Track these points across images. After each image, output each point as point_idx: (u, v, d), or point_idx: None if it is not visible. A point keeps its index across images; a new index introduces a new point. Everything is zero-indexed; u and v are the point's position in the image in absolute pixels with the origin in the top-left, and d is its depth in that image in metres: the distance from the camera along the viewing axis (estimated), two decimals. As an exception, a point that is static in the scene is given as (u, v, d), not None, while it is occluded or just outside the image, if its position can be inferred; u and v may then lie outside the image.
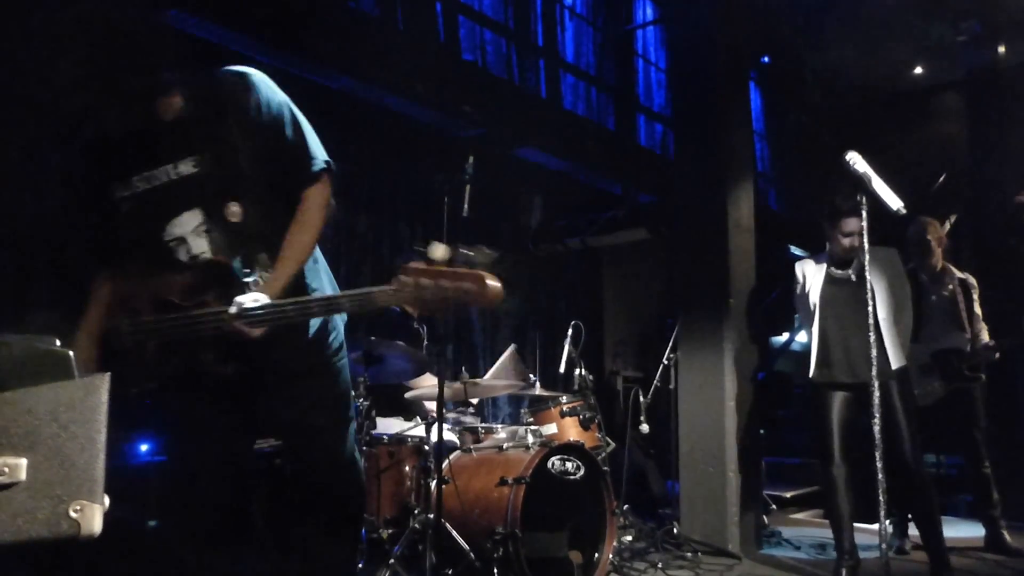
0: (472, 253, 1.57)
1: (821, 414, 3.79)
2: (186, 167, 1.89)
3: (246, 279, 1.90)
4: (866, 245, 2.79)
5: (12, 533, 0.86)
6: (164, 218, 1.89)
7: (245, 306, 1.78)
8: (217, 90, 1.92)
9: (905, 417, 3.63)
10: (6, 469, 0.87)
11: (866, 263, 2.79)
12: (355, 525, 2.37)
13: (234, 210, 1.89)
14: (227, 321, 1.78)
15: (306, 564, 2.07)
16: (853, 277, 3.76)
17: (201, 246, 1.90)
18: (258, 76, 2.00)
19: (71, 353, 0.94)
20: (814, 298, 3.86)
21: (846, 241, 3.75)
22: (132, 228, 1.91)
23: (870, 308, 2.79)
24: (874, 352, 2.75)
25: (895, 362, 3.67)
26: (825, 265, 3.88)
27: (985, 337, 4.64)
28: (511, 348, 4.15)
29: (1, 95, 3.17)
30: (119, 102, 1.75)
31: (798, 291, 3.99)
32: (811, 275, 3.93)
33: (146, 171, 1.88)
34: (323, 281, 2.12)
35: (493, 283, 1.52)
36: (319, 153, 2.01)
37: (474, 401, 4.29)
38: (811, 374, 3.83)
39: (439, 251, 1.64)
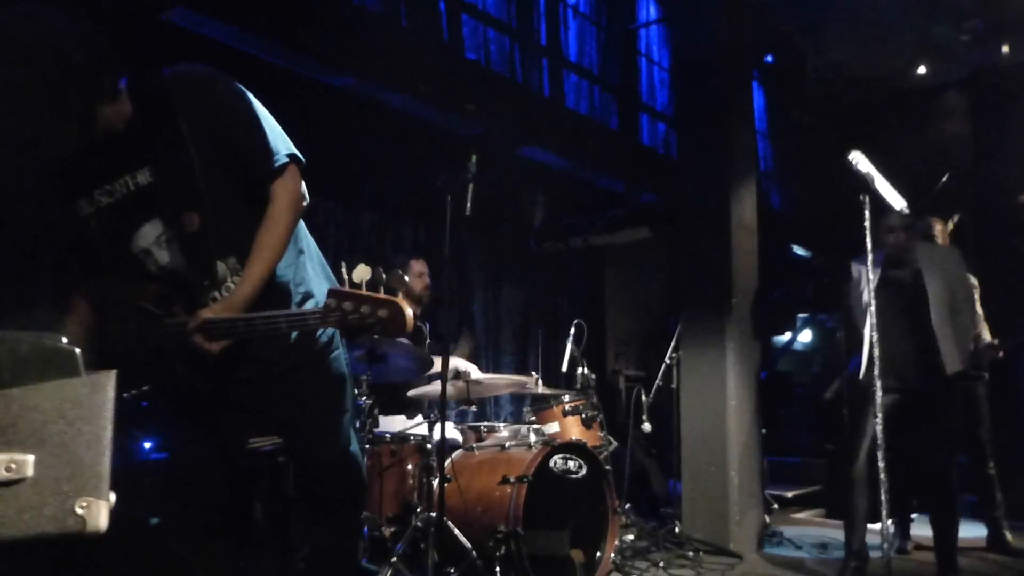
0: (386, 276, 1.68)
1: (859, 415, 3.68)
2: (143, 177, 1.82)
3: (211, 290, 1.88)
4: (869, 243, 2.79)
5: (19, 529, 0.87)
6: (129, 231, 1.85)
7: (203, 319, 1.76)
8: (166, 92, 1.82)
9: (948, 424, 3.60)
10: (13, 465, 0.87)
11: (869, 262, 2.79)
12: (356, 517, 2.37)
13: (191, 219, 1.82)
14: (187, 335, 1.76)
15: (310, 558, 2.06)
16: (908, 279, 3.69)
17: (164, 257, 1.86)
18: (208, 72, 1.91)
19: (77, 350, 0.95)
20: (867, 299, 3.79)
21: (891, 238, 3.70)
22: (103, 244, 1.86)
23: (873, 308, 2.80)
24: (876, 352, 2.76)
25: (949, 367, 3.55)
26: (880, 266, 3.76)
27: (987, 336, 4.64)
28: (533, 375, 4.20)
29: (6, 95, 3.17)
30: (60, 118, 1.63)
31: (854, 291, 3.91)
32: (865, 275, 3.86)
33: (107, 184, 1.81)
34: (308, 274, 2.07)
35: (407, 312, 1.61)
36: (281, 147, 1.90)
37: (476, 401, 4.29)
38: (860, 375, 3.69)
39: (361, 272, 1.63)
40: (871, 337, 3.71)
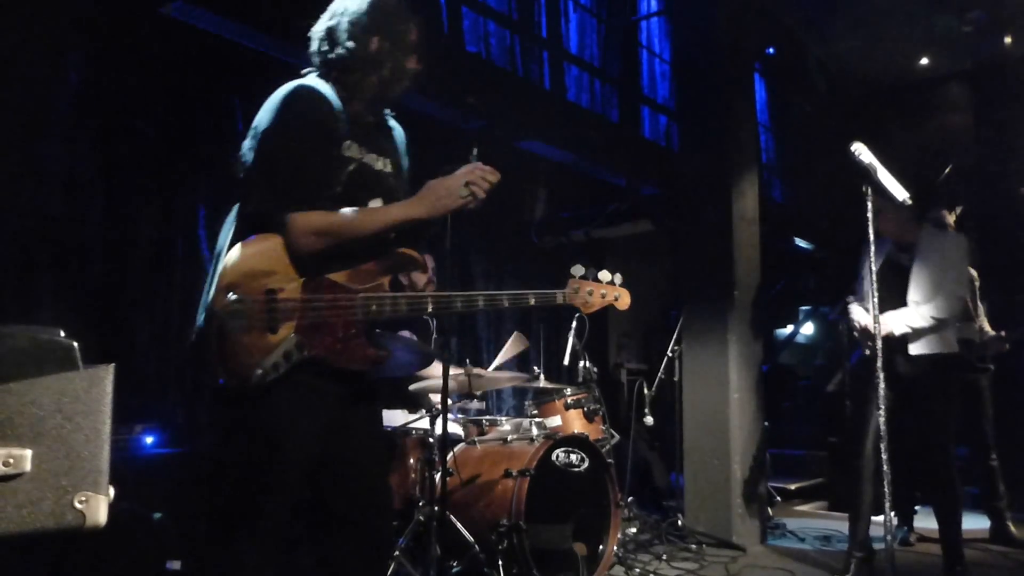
0: (598, 273, 2.22)
1: (862, 406, 3.64)
2: (384, 165, 2.09)
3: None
4: (871, 236, 2.77)
5: (17, 524, 0.86)
6: (366, 195, 2.00)
7: (443, 294, 2.05)
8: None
9: (940, 409, 3.53)
10: (11, 460, 0.87)
11: (872, 253, 2.77)
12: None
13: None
14: (430, 305, 1.99)
15: None
16: (906, 262, 3.61)
17: None
18: None
19: (75, 344, 0.94)
20: (867, 283, 3.78)
21: (881, 223, 3.67)
22: (351, 191, 1.97)
23: (874, 300, 2.79)
24: (879, 344, 2.75)
25: (919, 348, 3.49)
26: (887, 250, 3.73)
27: (987, 329, 4.63)
28: (515, 334, 4.14)
29: (6, 92, 3.17)
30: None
31: (860, 280, 3.89)
32: (868, 264, 3.84)
33: (368, 150, 2.03)
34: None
35: (628, 296, 2.21)
36: None
37: (478, 394, 4.28)
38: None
39: (579, 270, 2.18)
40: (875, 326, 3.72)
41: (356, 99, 2.02)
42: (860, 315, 3.63)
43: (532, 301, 2.18)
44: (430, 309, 2.02)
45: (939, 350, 3.54)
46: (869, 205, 2.74)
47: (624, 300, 2.25)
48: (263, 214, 1.84)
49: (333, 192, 1.92)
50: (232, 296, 1.76)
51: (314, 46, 2.05)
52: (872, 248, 2.76)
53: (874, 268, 2.77)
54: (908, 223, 3.65)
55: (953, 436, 3.62)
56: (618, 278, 2.24)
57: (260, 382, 1.75)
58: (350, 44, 1.98)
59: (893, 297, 3.54)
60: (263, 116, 1.92)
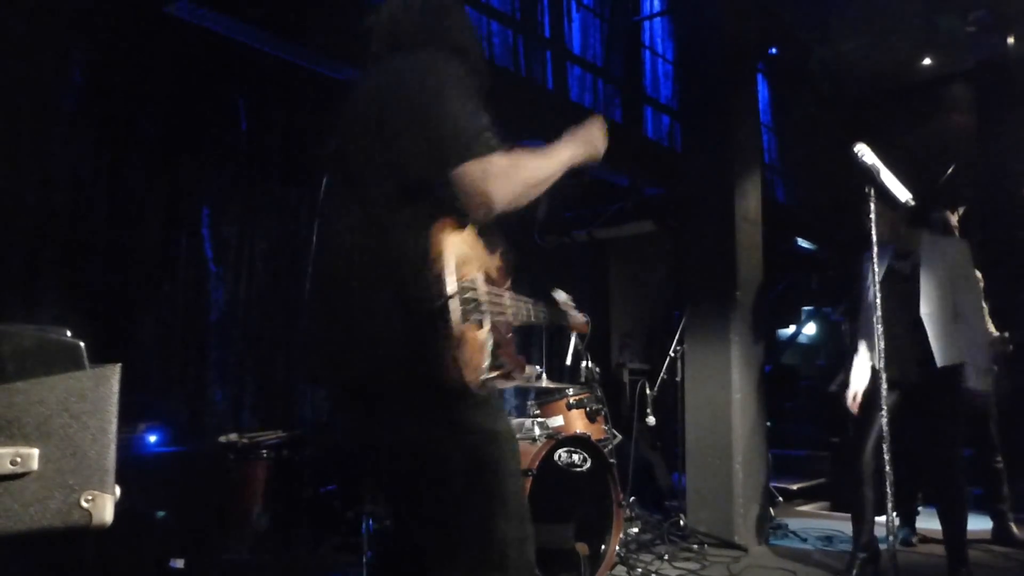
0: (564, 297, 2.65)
1: (866, 409, 3.63)
2: None
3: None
4: (874, 237, 2.77)
5: (24, 523, 0.87)
6: None
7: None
8: None
9: (950, 418, 3.53)
10: (18, 459, 0.87)
11: (874, 254, 2.77)
12: None
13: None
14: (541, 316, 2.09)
15: None
16: (907, 270, 3.59)
17: None
18: None
19: (82, 343, 0.95)
20: (871, 294, 3.75)
21: (880, 226, 3.68)
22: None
23: (878, 301, 2.78)
24: (881, 345, 2.75)
25: (942, 359, 3.45)
26: (888, 257, 3.70)
27: (991, 330, 4.63)
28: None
29: (11, 91, 3.18)
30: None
31: (862, 284, 3.86)
32: (871, 268, 3.83)
33: None
34: None
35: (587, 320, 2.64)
36: None
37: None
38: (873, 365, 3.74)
39: (562, 296, 2.52)
40: (877, 331, 3.70)
41: None
42: (858, 377, 3.68)
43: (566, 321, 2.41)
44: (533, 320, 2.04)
45: (955, 360, 3.51)
46: (872, 207, 2.73)
47: (584, 325, 2.65)
48: (449, 173, 1.55)
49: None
50: (463, 284, 1.47)
51: (422, 17, 1.83)
52: (875, 251, 2.75)
53: (877, 271, 2.77)
54: (902, 226, 3.64)
55: (961, 443, 3.62)
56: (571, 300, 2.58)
57: (485, 381, 1.50)
58: (469, 38, 1.87)
59: (903, 309, 3.53)
60: (422, 75, 1.66)
